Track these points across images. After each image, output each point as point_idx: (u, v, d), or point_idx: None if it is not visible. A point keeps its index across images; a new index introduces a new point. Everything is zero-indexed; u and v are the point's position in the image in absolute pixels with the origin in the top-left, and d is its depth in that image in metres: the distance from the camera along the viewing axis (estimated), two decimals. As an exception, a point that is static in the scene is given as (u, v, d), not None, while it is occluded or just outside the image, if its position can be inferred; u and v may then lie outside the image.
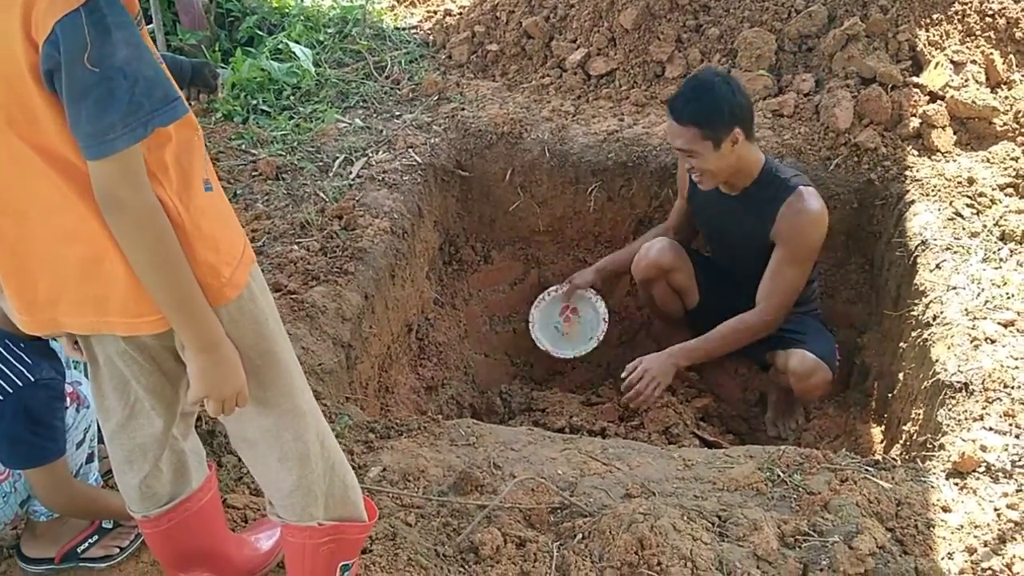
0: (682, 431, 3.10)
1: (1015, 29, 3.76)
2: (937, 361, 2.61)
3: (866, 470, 2.24)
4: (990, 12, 3.81)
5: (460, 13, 4.56)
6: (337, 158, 3.59)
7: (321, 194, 3.37)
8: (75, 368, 2.03)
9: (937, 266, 2.96)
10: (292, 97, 3.99)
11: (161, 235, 1.35)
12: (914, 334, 2.87)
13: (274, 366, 1.58)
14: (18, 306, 1.51)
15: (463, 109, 3.92)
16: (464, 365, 3.65)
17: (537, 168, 3.74)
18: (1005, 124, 3.50)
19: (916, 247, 3.10)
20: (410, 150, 3.64)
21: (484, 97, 4.00)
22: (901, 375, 2.93)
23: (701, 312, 3.42)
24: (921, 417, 2.63)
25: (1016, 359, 2.51)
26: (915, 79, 3.70)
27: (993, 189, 3.22)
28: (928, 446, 2.41)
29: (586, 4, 4.22)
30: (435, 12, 4.66)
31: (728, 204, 3.15)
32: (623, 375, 3.17)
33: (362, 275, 3.01)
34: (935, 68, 3.70)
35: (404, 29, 4.57)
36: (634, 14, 4.07)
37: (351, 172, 3.53)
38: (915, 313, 2.91)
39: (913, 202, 3.29)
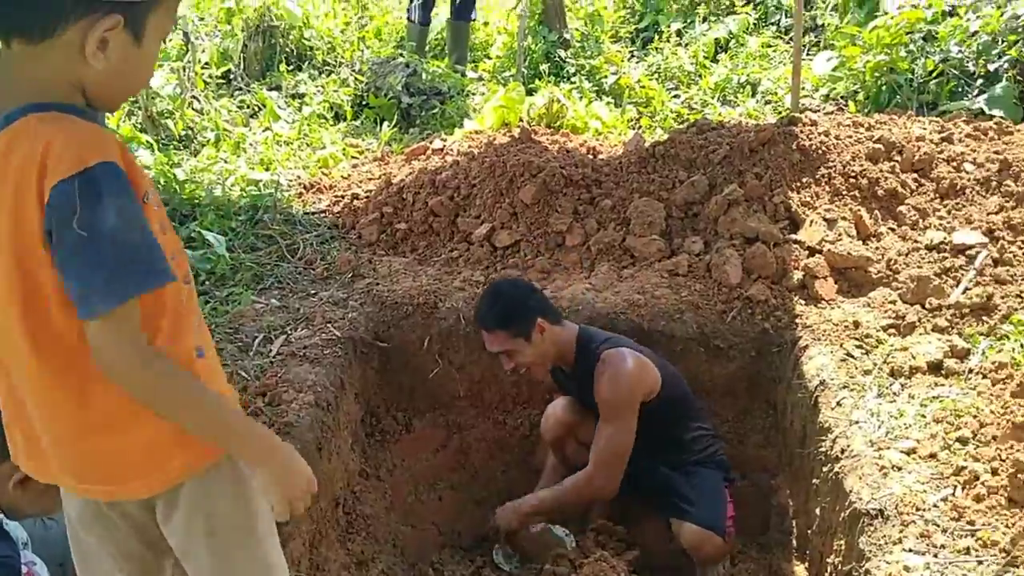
0: (617, 584, 3.14)
1: (876, 188, 4.18)
2: (851, 491, 2.77)
3: (802, 600, 2.33)
4: (853, 174, 4.24)
5: (367, 196, 4.78)
6: (256, 337, 3.64)
7: (243, 373, 3.39)
8: (28, 549, 1.98)
9: (838, 403, 3.17)
10: (207, 282, 4.05)
11: (166, 378, 1.41)
12: (825, 469, 3.03)
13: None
14: (24, 450, 1.53)
15: (377, 284, 4.06)
16: (392, 538, 3.62)
17: (453, 335, 3.87)
18: (879, 272, 3.84)
19: (815, 388, 3.32)
20: (328, 325, 3.73)
21: (397, 272, 4.16)
22: (818, 510, 3.07)
23: None
24: (843, 547, 2.75)
25: (923, 483, 2.69)
26: (794, 236, 4.05)
27: (877, 331, 3.50)
28: (854, 572, 2.52)
29: (487, 183, 4.50)
30: (343, 196, 4.87)
31: (572, 382, 3.49)
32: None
33: (290, 450, 3.01)
34: (810, 225, 4.06)
35: (313, 213, 4.74)
36: (533, 190, 4.36)
37: (271, 350, 3.58)
38: (823, 449, 3.09)
39: (807, 347, 3.53)
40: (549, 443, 3.66)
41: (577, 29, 6.99)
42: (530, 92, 5.86)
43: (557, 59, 6.71)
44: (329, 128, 5.95)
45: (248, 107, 6.21)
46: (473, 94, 6.55)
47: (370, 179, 5.06)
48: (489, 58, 7.19)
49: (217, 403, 1.46)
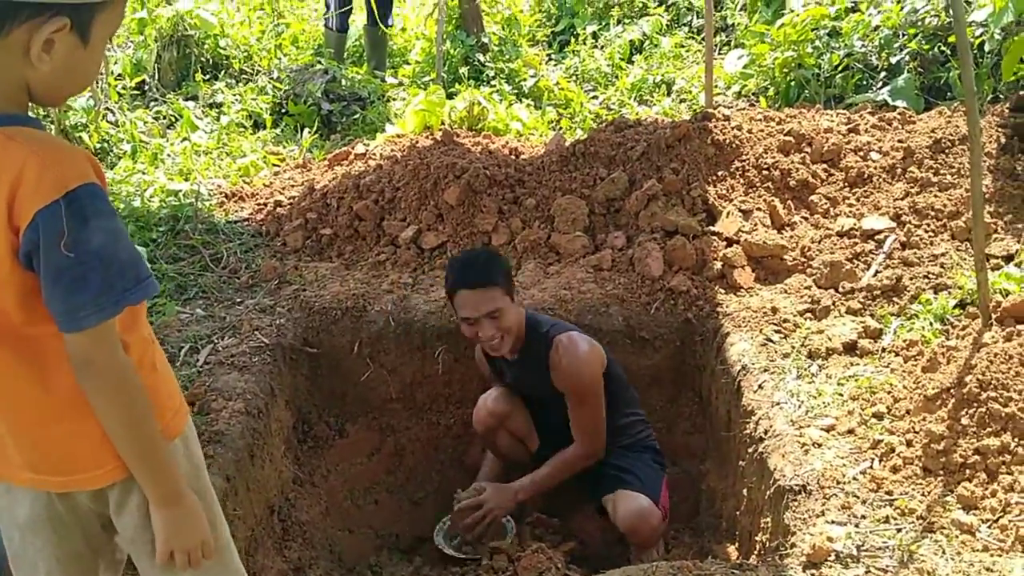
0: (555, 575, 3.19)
1: (788, 179, 4.33)
2: (775, 470, 2.87)
3: (732, 573, 2.41)
4: (766, 167, 4.38)
5: (290, 203, 4.75)
6: (183, 347, 3.60)
7: (171, 384, 3.35)
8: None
9: (759, 387, 3.28)
10: (129, 294, 3.99)
11: (135, 394, 1.46)
12: (750, 450, 3.14)
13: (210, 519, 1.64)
14: None
15: (304, 290, 4.04)
16: (329, 543, 3.60)
17: (383, 338, 3.88)
18: (794, 259, 3.97)
19: (738, 373, 3.43)
20: (256, 332, 3.71)
21: (324, 277, 4.15)
22: (745, 491, 3.18)
23: (544, 455, 3.60)
24: (770, 524, 2.85)
25: (842, 458, 2.81)
26: (712, 228, 4.16)
27: (794, 315, 3.62)
28: (781, 547, 2.62)
29: (412, 186, 4.51)
30: (265, 204, 4.83)
31: (516, 369, 3.46)
32: (461, 502, 3.41)
33: (222, 458, 2.99)
34: (727, 217, 4.18)
35: (236, 222, 4.69)
36: (457, 191, 4.39)
37: (198, 359, 3.54)
38: (747, 431, 3.19)
39: (728, 334, 3.64)
40: (481, 435, 3.69)
41: (494, 33, 7.04)
42: (451, 96, 5.90)
43: (476, 63, 6.76)
44: (249, 137, 5.90)
45: (164, 118, 6.11)
46: (394, 99, 6.55)
47: (293, 186, 5.03)
48: (408, 63, 7.20)
49: (155, 434, 1.50)
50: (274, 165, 5.50)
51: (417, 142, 5.04)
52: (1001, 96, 4.65)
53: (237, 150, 5.66)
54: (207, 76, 6.55)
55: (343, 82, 6.42)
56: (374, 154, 5.03)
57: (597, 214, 4.36)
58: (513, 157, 4.84)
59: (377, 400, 3.98)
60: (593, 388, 3.33)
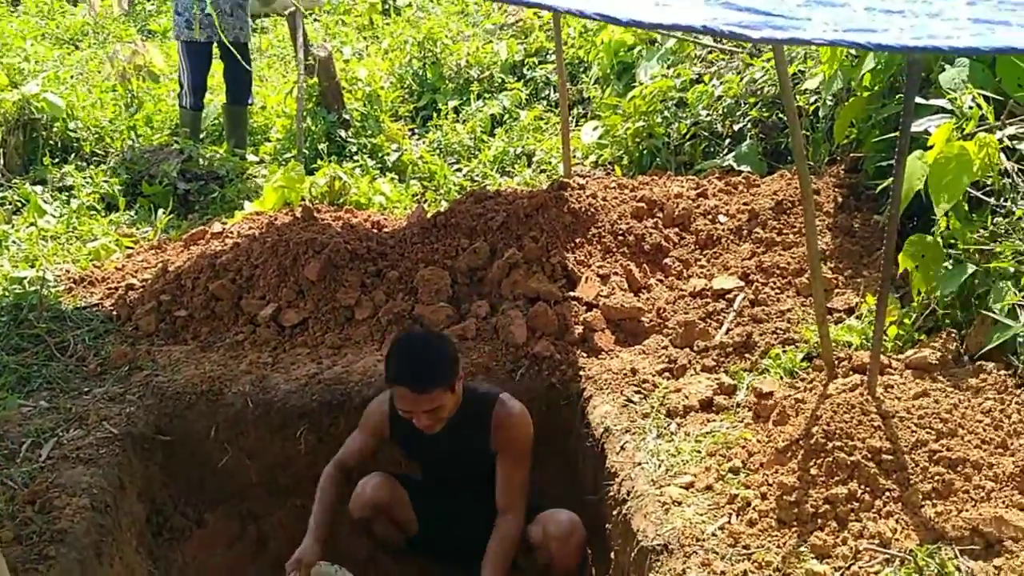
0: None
1: (643, 243, 4.46)
2: (638, 531, 2.89)
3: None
4: (621, 232, 4.50)
5: (143, 285, 4.59)
6: (24, 442, 3.39)
7: (9, 482, 3.15)
8: None
9: (622, 448, 3.31)
10: (-36, 389, 3.75)
11: None
12: (615, 512, 3.15)
13: None
14: None
15: (157, 375, 3.89)
16: (189, 642, 3.42)
17: (242, 420, 3.75)
18: (651, 320, 4.07)
19: (601, 435, 3.46)
20: (104, 423, 3.53)
21: (178, 361, 4.00)
22: (612, 553, 3.18)
23: (423, 539, 3.52)
24: (636, 585, 2.86)
25: (702, 515, 2.85)
26: (572, 293, 4.23)
27: (653, 375, 3.70)
28: (646, 608, 2.62)
29: (271, 263, 4.44)
30: (116, 288, 4.65)
31: (443, 437, 3.23)
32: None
33: (65, 558, 2.82)
34: (586, 282, 4.26)
35: (85, 308, 4.49)
36: (317, 267, 4.34)
37: (41, 455, 3.34)
38: (612, 493, 3.21)
39: (591, 397, 3.68)
40: (358, 520, 3.55)
41: (356, 109, 7.08)
42: (313, 172, 5.87)
43: (338, 139, 6.76)
44: (100, 220, 5.69)
45: (10, 203, 5.85)
46: (254, 177, 6.47)
47: (146, 268, 4.86)
48: (269, 140, 7.14)
49: None
50: (127, 248, 5.32)
51: (276, 219, 4.97)
52: (837, 158, 4.93)
53: (88, 234, 5.45)
54: (56, 159, 6.32)
55: (200, 161, 6.30)
56: (231, 232, 4.93)
57: (460, 284, 4.37)
58: (375, 230, 4.83)
59: (237, 486, 3.83)
60: (529, 449, 3.31)
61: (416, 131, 7.53)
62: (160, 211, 5.80)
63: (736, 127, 5.51)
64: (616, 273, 4.32)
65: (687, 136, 5.66)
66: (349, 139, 6.76)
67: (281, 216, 5.04)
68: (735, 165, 5.21)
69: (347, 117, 6.92)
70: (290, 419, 3.78)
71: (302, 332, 4.24)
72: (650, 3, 1.34)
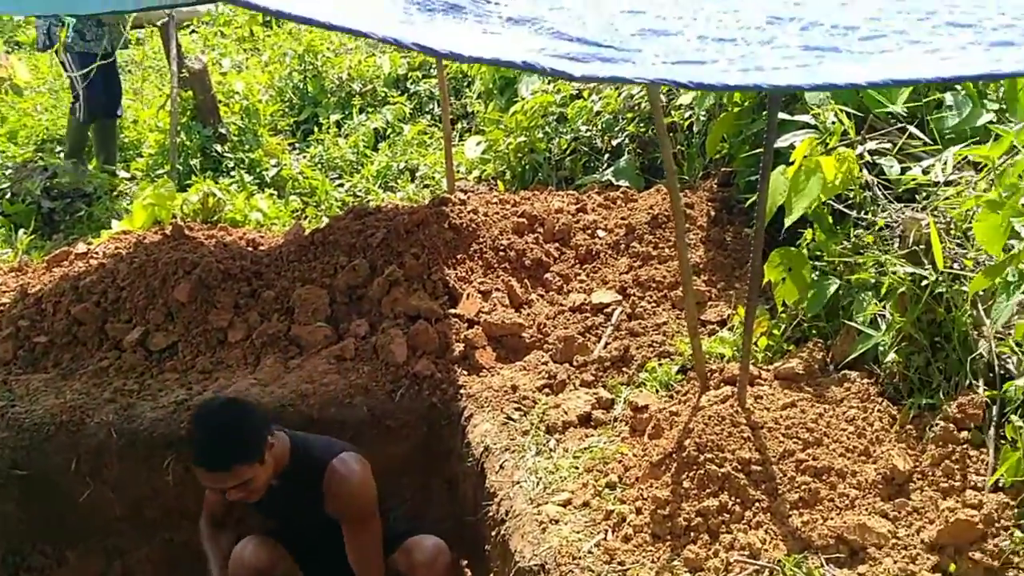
0: None
1: (524, 259, 4.45)
2: (516, 551, 2.86)
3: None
4: (502, 248, 4.49)
5: (0, 310, 4.34)
6: None
7: None
8: None
9: (501, 467, 3.28)
10: None
11: None
12: (494, 533, 3.12)
13: None
14: None
15: (13, 406, 3.67)
16: None
17: (105, 452, 3.57)
18: (532, 336, 4.06)
19: (481, 454, 3.42)
20: (-48, 460, 3.31)
21: (37, 390, 3.79)
22: (491, 575, 3.15)
23: None
24: (514, 607, 2.82)
25: (578, 532, 2.84)
26: (453, 310, 4.19)
27: (533, 392, 3.68)
28: (523, 631, 2.59)
29: (138, 285, 4.25)
30: (-30, 313, 4.38)
31: (276, 493, 3.10)
32: None
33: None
34: (467, 299, 4.22)
35: (-66, 335, 4.21)
36: (188, 288, 4.18)
37: None
38: (491, 514, 3.17)
39: (472, 416, 3.64)
40: None
41: (233, 123, 6.89)
42: (187, 189, 5.67)
43: (214, 154, 6.56)
44: (-45, 241, 5.38)
45: None
46: (125, 194, 6.22)
47: (4, 291, 4.60)
48: (141, 156, 6.88)
49: None
50: (-16, 270, 5.02)
51: (145, 238, 4.77)
52: (711, 172, 5.03)
53: (-60, 256, 5.14)
54: (-93, 177, 5.95)
55: (66, 178, 6.02)
56: (97, 253, 4.70)
57: (339, 303, 4.28)
58: (251, 249, 4.69)
59: (100, 521, 3.64)
60: (372, 510, 3.20)
61: (297, 146, 7.37)
62: (21, 231, 5.50)
63: (614, 142, 5.57)
64: (497, 289, 4.30)
65: (568, 151, 5.70)
66: (226, 154, 6.57)
67: (150, 235, 4.84)
68: (614, 180, 5.26)
69: (224, 131, 6.73)
70: (157, 449, 3.62)
71: (171, 357, 4.08)
72: (478, 31, 1.31)
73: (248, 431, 2.90)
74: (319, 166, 6.81)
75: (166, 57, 7.13)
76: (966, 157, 3.33)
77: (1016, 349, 2.59)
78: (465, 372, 3.92)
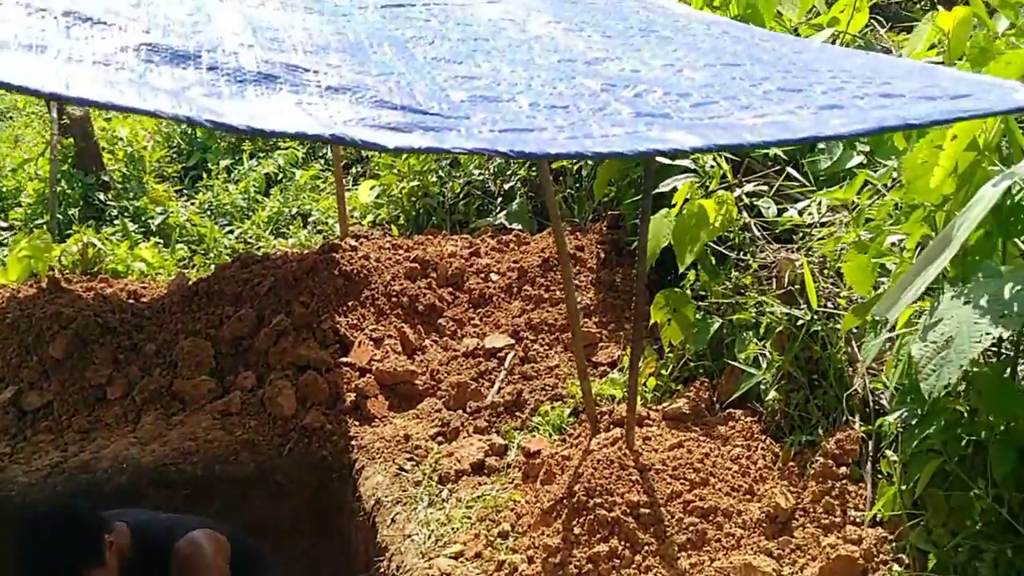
0: None
1: (417, 304, 4.41)
2: (406, 608, 2.79)
3: None
4: (394, 293, 4.44)
5: None
6: None
7: None
8: None
9: (392, 520, 3.21)
10: None
11: None
12: (385, 589, 3.05)
13: None
14: None
15: None
16: None
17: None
18: (425, 383, 4.01)
19: (372, 508, 3.35)
20: None
21: None
22: (384, 633, 3.06)
23: None
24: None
25: (469, 585, 2.79)
26: (345, 359, 4.12)
27: (426, 440, 3.63)
28: None
29: (10, 341, 4.07)
30: None
31: None
32: None
33: None
34: (359, 347, 4.15)
35: None
36: (64, 343, 4.01)
37: None
38: (382, 570, 3.10)
39: (363, 468, 3.57)
40: None
41: (117, 170, 6.68)
42: (67, 239, 5.45)
43: (97, 202, 6.33)
44: None
45: None
46: (3, 245, 5.94)
47: None
48: (20, 205, 6.59)
49: None
50: None
51: (19, 292, 4.56)
52: (601, 215, 5.10)
53: None
54: None
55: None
56: (-34, 309, 4.47)
57: (224, 355, 4.15)
58: (132, 301, 4.52)
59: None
60: None
61: (185, 192, 7.19)
62: None
63: (507, 186, 5.60)
64: (390, 336, 4.25)
65: (461, 195, 5.71)
66: (109, 202, 6.35)
67: (25, 289, 4.63)
68: (507, 223, 5.28)
69: (107, 179, 6.51)
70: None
71: (46, 417, 3.89)
72: (291, 102, 1.27)
73: (83, 536, 2.65)
74: (208, 213, 6.64)
75: (46, 103, 6.89)
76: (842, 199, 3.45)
77: (888, 385, 2.67)
78: (356, 423, 3.84)
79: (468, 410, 3.80)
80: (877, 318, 2.39)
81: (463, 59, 1.56)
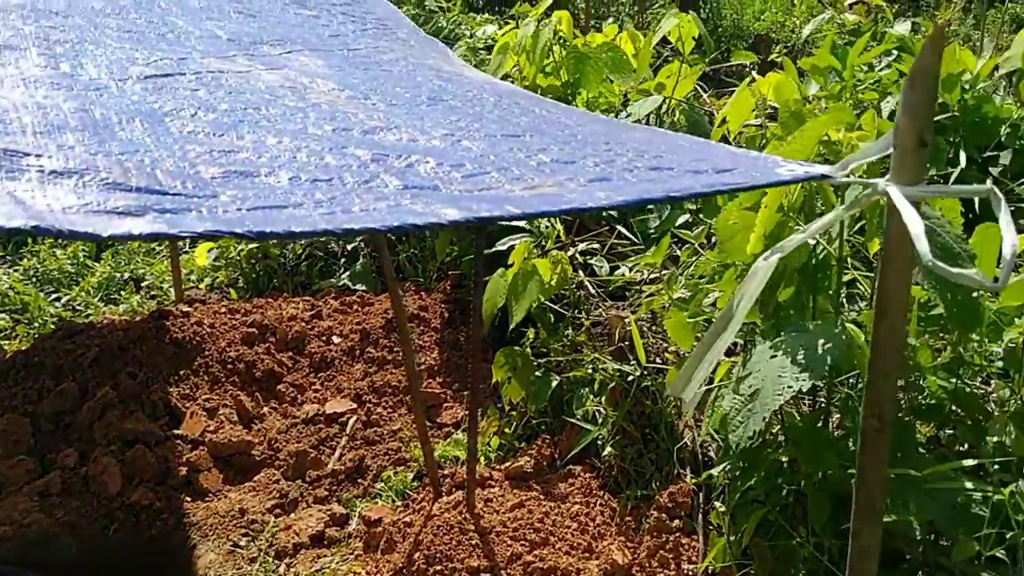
0: None
1: (254, 370, 4.27)
2: None
3: None
4: (230, 360, 4.28)
5: None
6: None
7: None
8: None
9: (224, 601, 3.05)
10: None
11: None
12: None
13: None
14: None
15: None
16: None
17: None
18: (263, 453, 3.86)
19: (204, 589, 3.17)
20: None
21: None
22: None
23: None
24: None
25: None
26: (176, 431, 3.93)
27: (263, 514, 3.49)
28: None
29: None
30: None
31: None
32: None
33: None
34: (191, 418, 3.97)
35: None
36: None
37: None
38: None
39: (195, 546, 3.39)
40: None
41: (-71, 235, 6.23)
42: None
43: (-96, 270, 5.88)
44: None
45: None
46: None
47: None
48: None
49: None
50: None
51: None
52: (446, 274, 5.10)
53: None
54: None
55: None
56: None
57: (44, 431, 3.89)
58: (-61, 378, 4.19)
59: None
60: None
61: (8, 258, 6.76)
62: None
63: (350, 246, 5.54)
64: (225, 405, 4.09)
65: (303, 256, 5.60)
66: (-82, 270, 5.91)
67: None
68: (350, 284, 5.21)
69: (-83, 245, 6.06)
70: None
71: None
72: (2, 193, 1.19)
73: None
74: (33, 280, 6.26)
75: None
76: (669, 255, 3.56)
77: (716, 436, 2.75)
78: (188, 498, 3.65)
79: (308, 479, 3.68)
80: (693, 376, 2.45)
81: (226, 131, 1.50)
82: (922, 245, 1.09)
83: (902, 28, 4.17)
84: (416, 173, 1.34)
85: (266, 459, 3.85)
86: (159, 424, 3.92)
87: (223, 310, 4.73)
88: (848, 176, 1.32)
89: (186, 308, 4.61)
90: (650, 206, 3.82)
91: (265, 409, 4.17)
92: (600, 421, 3.18)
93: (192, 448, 3.85)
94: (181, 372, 4.20)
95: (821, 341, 1.93)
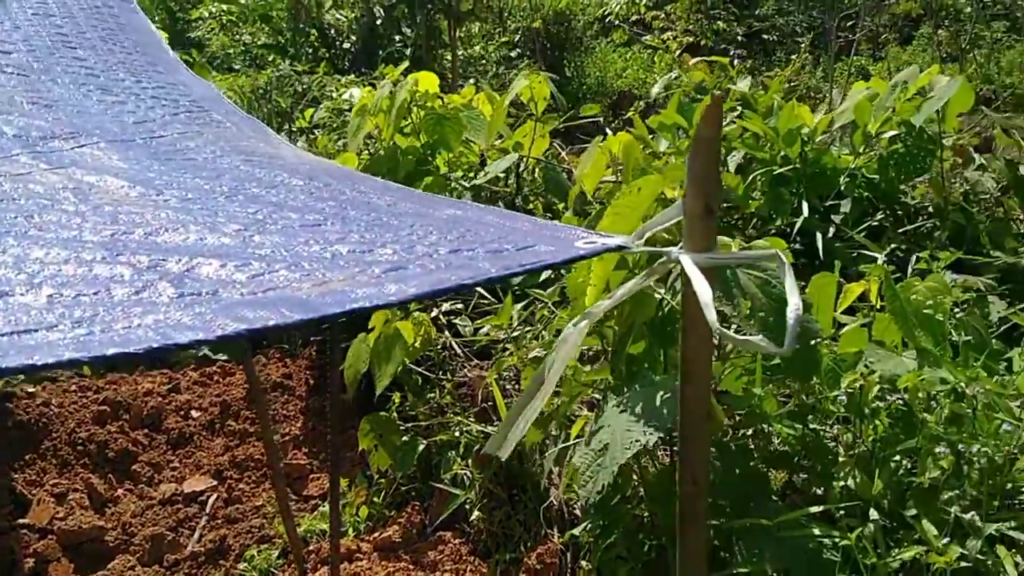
0: None
1: (107, 451, 4.05)
2: None
3: None
4: (81, 441, 4.06)
5: None
6: None
7: None
8: None
9: None
10: None
11: None
12: None
13: None
14: None
15: None
16: None
17: None
18: (116, 539, 3.64)
19: None
20: None
21: None
22: None
23: None
24: None
25: None
26: (22, 520, 3.67)
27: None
28: None
29: None
30: None
31: None
32: None
33: None
34: (39, 505, 3.73)
35: None
36: None
37: None
38: None
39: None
40: None
41: None
42: None
43: None
44: None
45: None
46: None
47: None
48: None
49: None
50: None
51: None
52: (311, 340, 4.99)
53: None
54: None
55: None
56: None
57: None
58: None
59: None
60: None
61: None
62: None
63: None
64: (75, 489, 3.85)
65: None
66: None
67: None
68: (211, 354, 5.03)
69: None
70: None
71: None
72: None
73: None
74: None
75: None
76: (532, 312, 3.58)
77: (578, 493, 2.74)
78: (32, 593, 3.41)
79: (165, 564, 3.49)
80: (554, 432, 2.46)
81: (-15, 245, 1.40)
82: (710, 314, 1.11)
83: (743, 85, 4.37)
84: (195, 277, 1.27)
85: (120, 545, 3.63)
86: (3, 513, 3.66)
87: (73, 388, 4.49)
88: (644, 245, 1.35)
89: (31, 388, 4.35)
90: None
91: (119, 491, 3.95)
92: (467, 484, 3.14)
93: (40, 537, 3.60)
94: (27, 457, 3.95)
95: (661, 394, 1.96)
